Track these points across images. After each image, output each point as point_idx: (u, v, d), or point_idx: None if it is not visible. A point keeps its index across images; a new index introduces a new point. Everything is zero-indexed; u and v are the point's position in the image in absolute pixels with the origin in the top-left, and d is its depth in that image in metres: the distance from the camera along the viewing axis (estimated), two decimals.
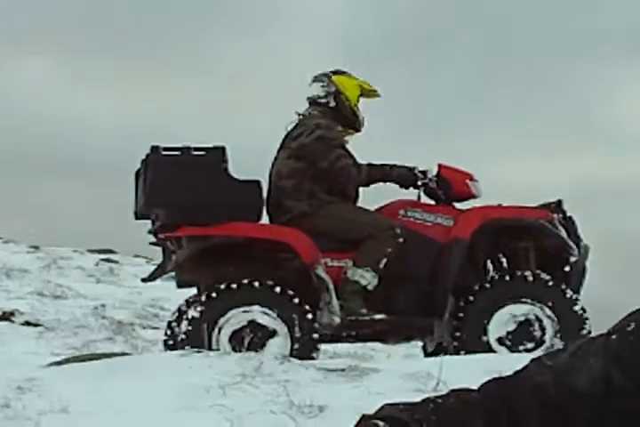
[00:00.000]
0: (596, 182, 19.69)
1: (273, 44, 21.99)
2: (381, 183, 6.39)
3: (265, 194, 6.32)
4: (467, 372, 3.70)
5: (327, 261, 6.19)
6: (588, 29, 21.38)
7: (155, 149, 6.22)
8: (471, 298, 6.19)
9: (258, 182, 6.29)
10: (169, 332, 6.54)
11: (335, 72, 6.52)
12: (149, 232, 6.42)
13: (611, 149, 20.74)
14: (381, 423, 1.48)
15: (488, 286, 6.22)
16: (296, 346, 5.94)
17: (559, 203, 6.32)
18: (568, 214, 6.30)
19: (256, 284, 5.96)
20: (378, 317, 6.15)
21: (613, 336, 1.57)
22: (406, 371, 4.66)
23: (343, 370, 4.79)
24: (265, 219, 6.34)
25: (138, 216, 6.43)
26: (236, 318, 5.97)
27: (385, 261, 6.11)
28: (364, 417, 1.50)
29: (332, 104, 6.40)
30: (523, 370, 1.58)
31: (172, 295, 8.92)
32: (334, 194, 6.27)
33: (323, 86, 6.46)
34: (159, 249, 6.49)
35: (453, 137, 18.94)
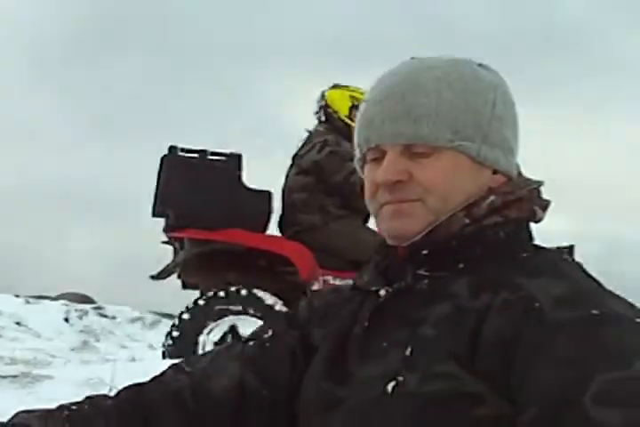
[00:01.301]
0: None
1: None
2: None
3: (275, 205, 6.36)
4: (140, 378, 3.62)
5: (329, 278, 6.18)
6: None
7: (172, 149, 6.29)
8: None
9: (269, 193, 6.33)
10: (165, 339, 6.56)
11: (333, 86, 6.57)
12: (163, 230, 6.49)
13: None
14: None
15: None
16: None
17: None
18: None
19: (243, 292, 5.97)
20: None
21: (250, 343, 1.62)
22: (80, 377, 4.65)
23: (15, 377, 4.75)
24: (273, 231, 6.38)
25: (154, 214, 6.50)
26: (220, 328, 5.99)
27: None
28: None
29: (323, 118, 6.47)
30: (161, 375, 1.60)
31: None
32: (346, 208, 6.27)
33: (318, 102, 6.56)
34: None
35: None
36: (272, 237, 6.33)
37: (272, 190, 6.39)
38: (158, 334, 16.90)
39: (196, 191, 6.20)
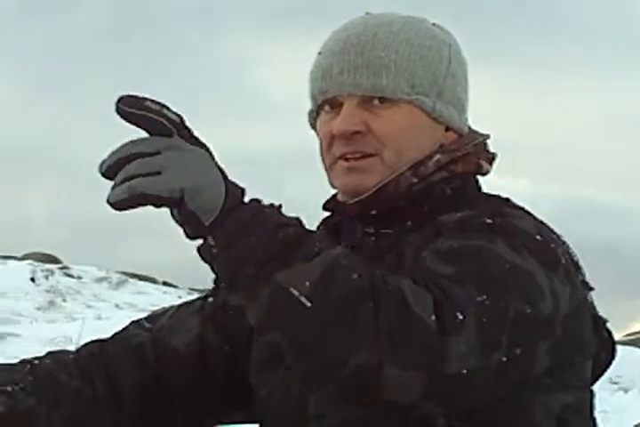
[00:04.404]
0: None
1: None
2: None
3: None
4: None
5: None
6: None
7: None
8: None
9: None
10: None
11: None
12: None
13: None
14: None
15: None
16: None
17: None
18: None
19: None
20: None
21: (210, 299, 1.63)
22: (46, 336, 4.71)
23: None
24: None
25: None
26: None
27: None
28: None
29: None
30: (121, 331, 1.62)
31: None
32: None
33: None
34: None
35: None
36: None
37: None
38: (124, 294, 16.94)
39: None
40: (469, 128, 1.57)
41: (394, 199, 1.47)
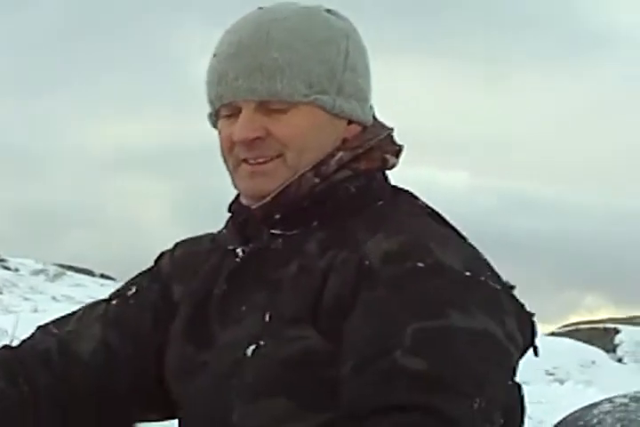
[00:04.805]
0: None
1: None
2: None
3: None
4: None
5: None
6: None
7: None
8: None
9: None
10: None
11: None
12: None
13: None
14: None
15: None
16: None
17: None
18: None
19: None
20: None
21: (114, 301, 1.60)
22: None
23: None
24: None
25: None
26: None
27: None
28: None
29: None
30: (30, 338, 1.60)
31: None
32: None
33: None
34: None
35: None
36: None
37: None
38: (62, 286, 16.82)
39: None
40: (375, 118, 1.54)
41: (296, 201, 1.45)
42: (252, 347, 1.41)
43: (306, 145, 1.46)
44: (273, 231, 1.48)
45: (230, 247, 1.52)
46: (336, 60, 1.48)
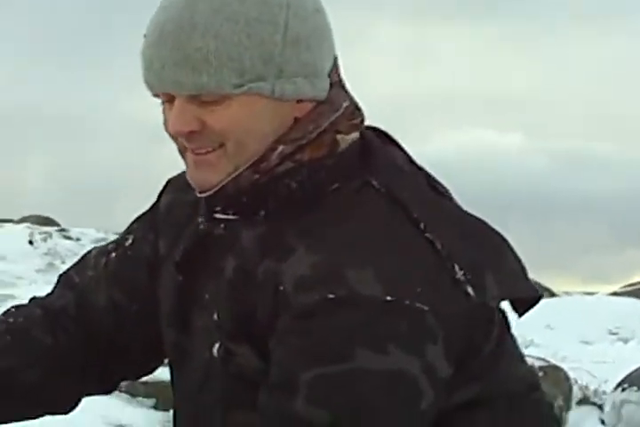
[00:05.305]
0: None
1: None
2: None
3: None
4: None
5: None
6: None
7: None
8: None
9: None
10: None
11: None
12: None
13: None
14: None
15: None
16: None
17: None
18: None
19: None
20: None
21: (113, 254, 1.56)
22: None
23: None
24: None
25: None
26: None
27: None
28: None
29: None
30: (52, 292, 1.59)
31: None
32: None
33: None
34: None
35: None
36: None
37: None
38: None
39: None
40: (333, 85, 1.39)
41: (235, 196, 1.37)
42: (217, 346, 1.39)
43: (245, 135, 1.34)
44: (217, 215, 1.40)
45: (200, 219, 1.45)
46: (272, 38, 1.32)
